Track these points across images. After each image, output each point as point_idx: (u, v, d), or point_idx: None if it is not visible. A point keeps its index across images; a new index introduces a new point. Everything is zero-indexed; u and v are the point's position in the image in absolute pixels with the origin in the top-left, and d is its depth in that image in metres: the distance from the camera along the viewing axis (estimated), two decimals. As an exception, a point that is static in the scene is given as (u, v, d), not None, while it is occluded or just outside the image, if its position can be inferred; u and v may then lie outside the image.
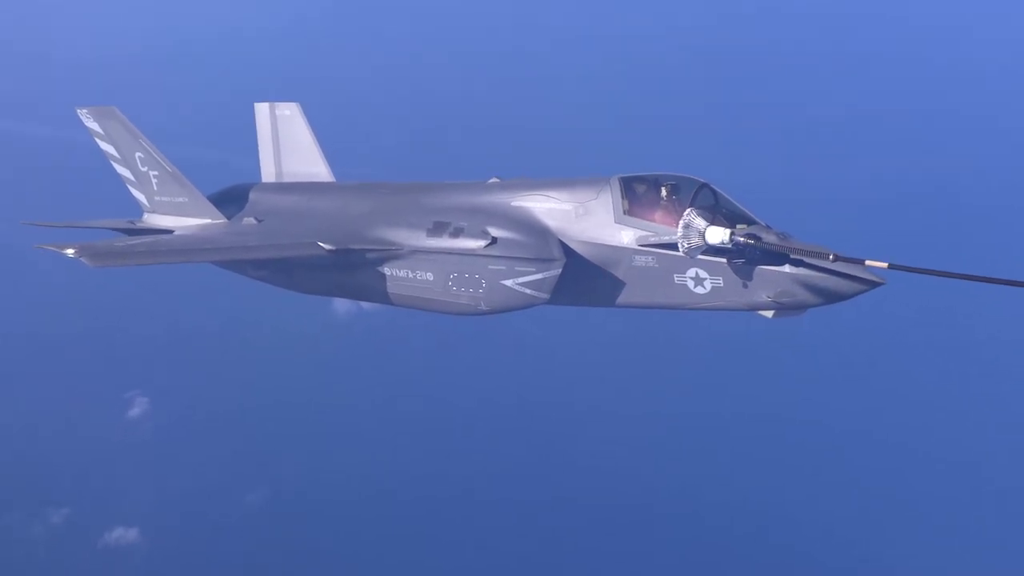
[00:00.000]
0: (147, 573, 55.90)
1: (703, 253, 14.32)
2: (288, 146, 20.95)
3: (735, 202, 14.66)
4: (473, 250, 15.79)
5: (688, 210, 14.29)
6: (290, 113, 20.99)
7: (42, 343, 66.91)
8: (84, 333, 67.55)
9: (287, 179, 20.72)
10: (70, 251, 15.02)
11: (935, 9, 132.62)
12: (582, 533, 59.54)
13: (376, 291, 17.08)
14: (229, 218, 19.62)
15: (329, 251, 16.51)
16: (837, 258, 13.42)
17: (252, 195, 19.98)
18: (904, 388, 72.38)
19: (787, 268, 14.14)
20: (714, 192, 14.68)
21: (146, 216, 20.71)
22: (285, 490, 61.59)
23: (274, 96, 21.35)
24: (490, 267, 15.73)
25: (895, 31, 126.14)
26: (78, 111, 20.33)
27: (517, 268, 15.54)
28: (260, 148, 21.19)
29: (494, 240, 15.71)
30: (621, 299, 15.59)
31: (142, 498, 59.84)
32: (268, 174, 21.03)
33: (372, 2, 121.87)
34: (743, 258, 14.30)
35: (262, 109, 21.19)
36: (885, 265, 13.28)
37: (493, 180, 17.41)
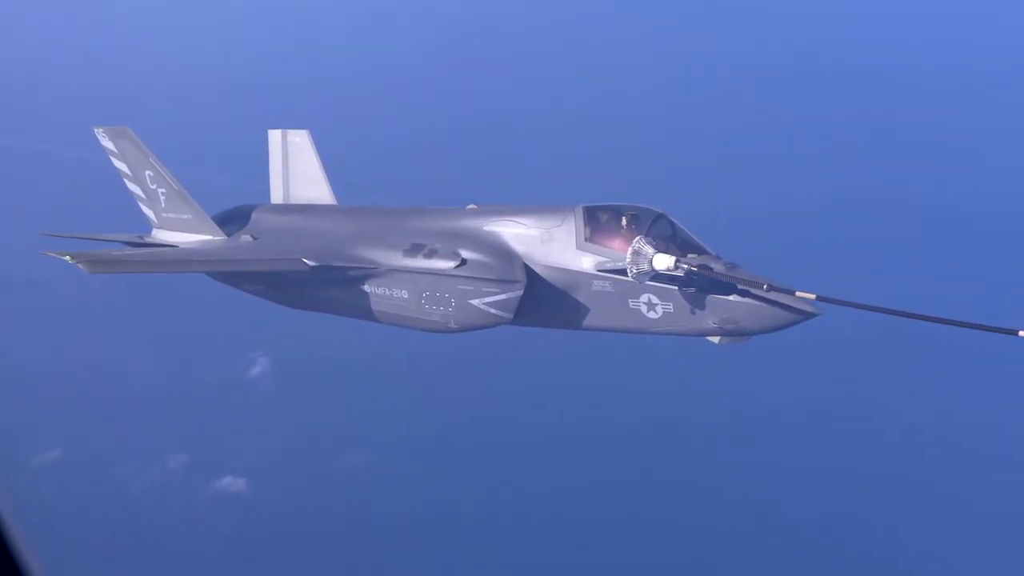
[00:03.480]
0: (249, 519, 58.79)
1: (652, 279, 15.37)
2: (296, 171, 22.01)
3: (690, 233, 15.69)
4: (444, 270, 16.88)
5: (638, 238, 15.34)
6: (300, 140, 22.03)
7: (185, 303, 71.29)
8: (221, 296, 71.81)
9: (293, 202, 21.83)
10: (68, 258, 16.35)
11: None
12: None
13: (357, 307, 18.16)
14: (229, 235, 20.76)
15: (312, 267, 17.69)
16: (771, 288, 14.62)
17: (254, 215, 21.15)
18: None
19: (732, 297, 15.17)
20: (671, 223, 15.76)
21: (154, 231, 21.99)
22: (383, 456, 63.36)
23: (288, 124, 22.47)
24: (459, 287, 16.75)
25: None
26: (95, 130, 21.72)
27: (483, 288, 16.56)
28: (271, 172, 22.35)
29: (464, 261, 16.77)
30: (581, 322, 16.60)
31: (252, 450, 63.06)
32: (276, 197, 22.21)
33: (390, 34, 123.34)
34: (692, 286, 15.31)
35: (275, 136, 22.28)
36: (813, 296, 14.46)
37: (471, 206, 18.65)
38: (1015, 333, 13.46)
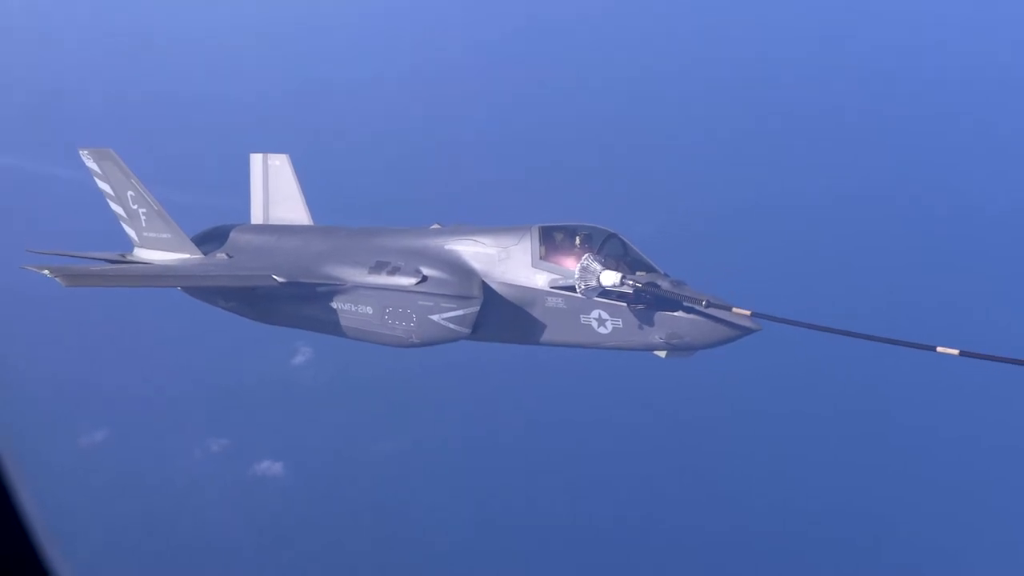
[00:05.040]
0: (285, 502, 60.52)
1: (601, 296, 15.96)
2: (276, 194, 22.90)
3: (640, 252, 16.31)
4: (406, 287, 17.44)
5: (587, 255, 15.99)
6: (279, 163, 22.98)
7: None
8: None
9: (271, 223, 22.69)
10: (46, 271, 17.11)
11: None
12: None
13: (326, 323, 18.70)
14: (206, 254, 21.58)
15: (281, 283, 18.32)
16: (709, 304, 15.20)
17: (231, 235, 21.98)
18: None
19: (678, 313, 15.72)
20: (623, 242, 16.39)
21: (136, 250, 22.76)
22: (419, 445, 64.62)
23: (270, 148, 23.40)
24: (419, 303, 17.31)
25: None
26: (80, 151, 22.55)
27: (442, 304, 17.12)
28: (252, 194, 23.21)
29: (424, 278, 17.33)
30: (536, 337, 17.11)
31: (291, 437, 64.81)
32: (257, 217, 23.06)
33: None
34: (640, 303, 15.87)
35: (256, 159, 23.27)
36: (748, 313, 15.03)
37: (435, 226, 19.43)
38: (933, 349, 13.64)
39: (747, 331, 15.42)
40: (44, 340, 63.84)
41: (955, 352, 13.36)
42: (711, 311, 15.30)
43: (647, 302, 15.84)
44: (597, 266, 15.81)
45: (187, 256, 21.65)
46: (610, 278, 15.68)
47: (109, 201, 22.70)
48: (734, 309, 15.13)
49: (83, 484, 57.15)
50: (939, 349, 13.52)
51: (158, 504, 57.24)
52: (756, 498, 60.63)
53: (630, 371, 62.26)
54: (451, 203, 72.38)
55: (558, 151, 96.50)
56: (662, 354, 16.59)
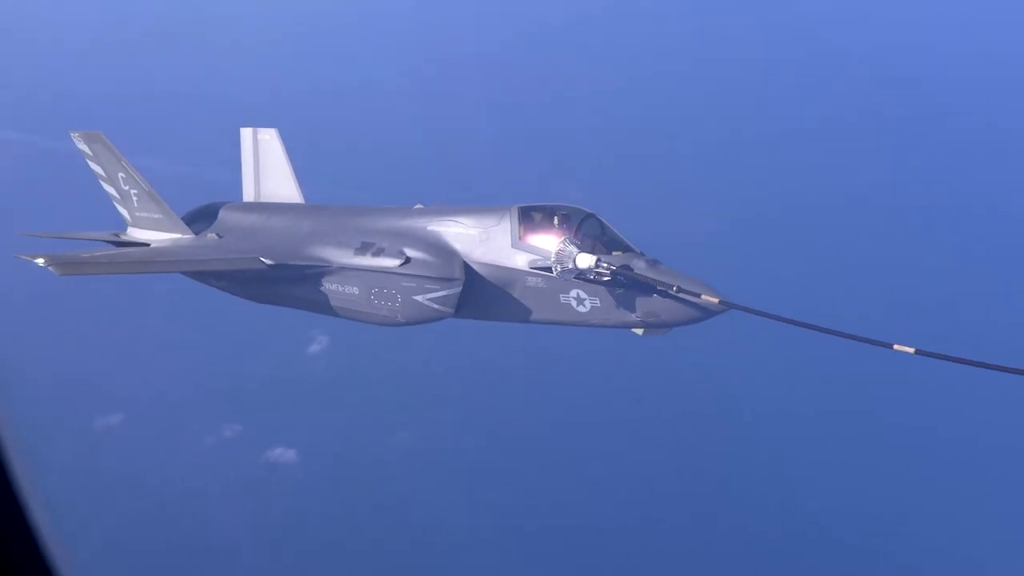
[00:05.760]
0: (297, 488, 60.81)
1: (577, 277, 16.50)
2: (266, 169, 23.32)
3: (618, 232, 16.88)
4: (390, 268, 18.04)
5: (563, 239, 16.55)
6: (269, 138, 23.41)
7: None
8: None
9: (264, 199, 23.14)
10: (40, 260, 17.48)
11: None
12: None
13: (315, 303, 19.30)
14: (197, 234, 22.04)
15: (269, 266, 18.91)
16: (680, 289, 15.88)
17: (220, 213, 22.52)
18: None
19: (653, 294, 16.29)
20: (600, 222, 16.97)
21: (129, 230, 23.30)
22: (428, 434, 64.72)
23: (261, 122, 23.62)
24: (403, 283, 17.91)
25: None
26: (71, 134, 22.96)
27: (426, 285, 17.73)
28: (243, 170, 23.59)
29: (408, 260, 17.89)
30: (519, 316, 17.74)
31: (305, 425, 65.05)
32: (248, 194, 23.60)
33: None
34: (617, 283, 16.38)
35: (247, 134, 23.64)
36: (716, 300, 15.72)
37: (417, 206, 19.91)
38: (889, 346, 14.06)
39: (711, 313, 16.15)
40: (59, 328, 64.54)
41: (911, 350, 13.83)
42: (682, 295, 15.94)
43: (622, 283, 16.34)
44: (573, 249, 16.33)
45: (178, 236, 22.10)
46: (585, 260, 16.21)
47: (101, 182, 23.09)
48: (703, 296, 15.76)
49: (98, 465, 57.90)
50: (896, 347, 13.97)
51: (168, 489, 57.65)
52: (755, 498, 60.24)
53: (660, 369, 62.89)
54: (448, 180, 72.80)
55: (565, 138, 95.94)
56: (639, 331, 17.13)
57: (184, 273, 21.35)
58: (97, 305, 64.65)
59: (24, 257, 17.75)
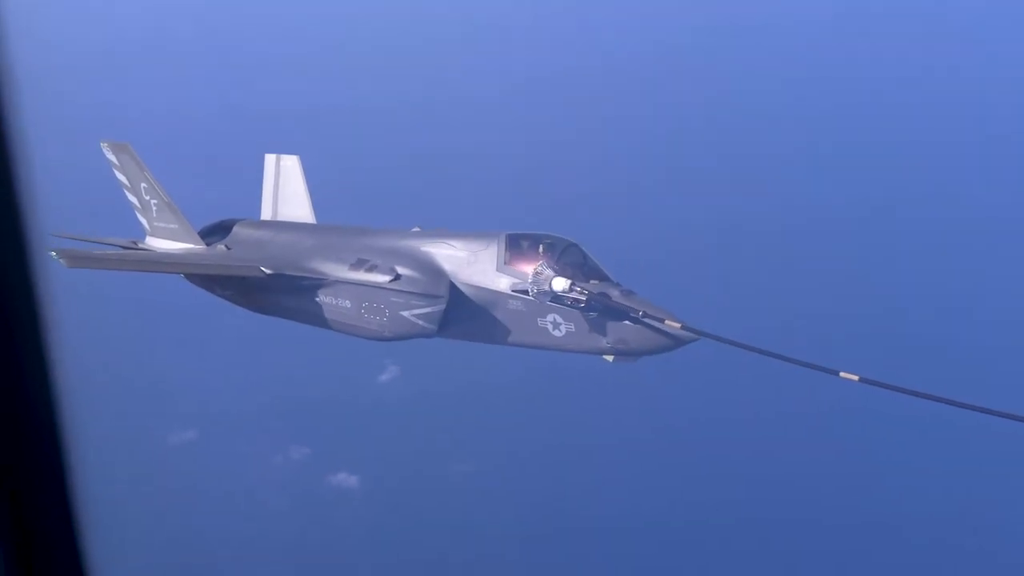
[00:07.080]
0: (357, 514, 62.00)
1: (555, 301, 17.37)
2: (285, 193, 24.53)
3: (598, 262, 17.74)
4: (380, 284, 18.85)
5: (542, 262, 17.49)
6: (291, 164, 24.67)
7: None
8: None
9: (279, 219, 24.32)
10: (52, 253, 18.81)
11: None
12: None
13: (310, 314, 20.18)
14: (209, 246, 23.22)
15: (268, 274, 19.90)
16: (646, 315, 16.73)
17: (234, 229, 23.53)
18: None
19: (625, 321, 17.11)
20: (582, 252, 17.82)
21: (147, 238, 24.44)
22: (487, 466, 65.12)
23: (284, 149, 25.09)
24: (392, 299, 18.71)
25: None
26: (101, 144, 24.26)
27: (412, 302, 18.50)
28: (264, 192, 24.90)
29: (398, 276, 18.73)
30: (500, 337, 18.55)
31: (371, 451, 66.21)
32: (266, 213, 24.79)
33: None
34: (591, 310, 17.16)
35: (270, 159, 25.08)
36: (679, 326, 16.49)
37: (415, 229, 20.99)
38: (836, 373, 14.67)
39: (681, 342, 16.94)
40: (143, 341, 67.66)
41: (855, 378, 14.43)
42: (647, 320, 16.69)
43: (597, 310, 17.12)
44: (550, 272, 17.29)
45: (191, 246, 23.15)
46: (560, 284, 17.13)
47: (125, 191, 24.28)
48: (667, 321, 16.55)
49: (170, 477, 60.28)
50: (842, 374, 14.57)
51: (229, 503, 59.50)
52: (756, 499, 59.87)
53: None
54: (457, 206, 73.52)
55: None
56: (609, 358, 17.81)
57: (191, 280, 22.39)
58: (180, 324, 67.34)
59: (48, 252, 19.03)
